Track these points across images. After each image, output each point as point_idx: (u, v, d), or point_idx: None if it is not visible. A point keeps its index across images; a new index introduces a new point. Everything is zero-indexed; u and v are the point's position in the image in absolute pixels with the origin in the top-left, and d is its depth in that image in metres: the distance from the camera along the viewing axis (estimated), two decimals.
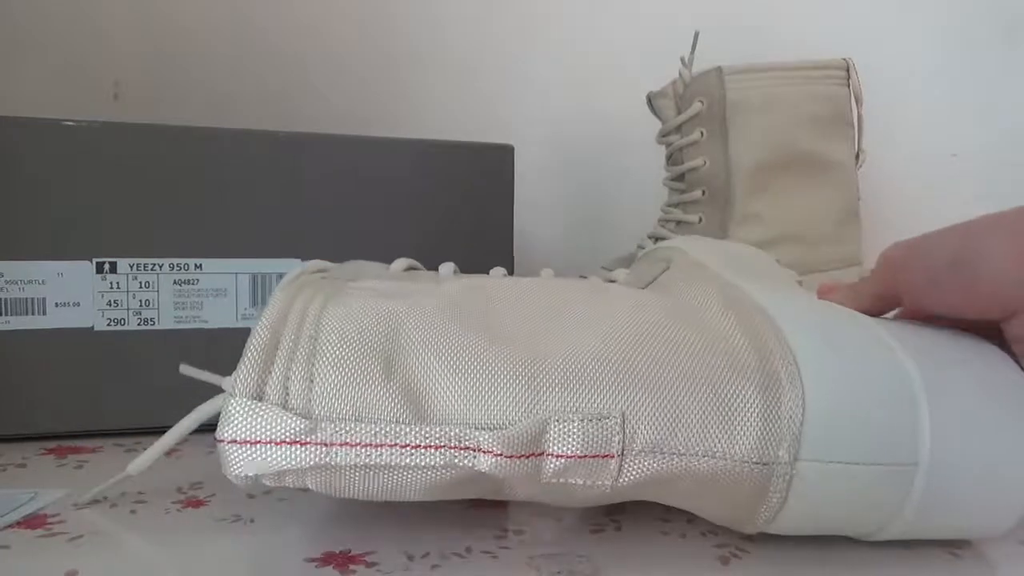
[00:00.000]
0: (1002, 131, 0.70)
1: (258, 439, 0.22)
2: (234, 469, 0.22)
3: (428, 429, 0.22)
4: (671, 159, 0.55)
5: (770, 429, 0.23)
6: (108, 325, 0.40)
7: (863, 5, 0.68)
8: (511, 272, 0.47)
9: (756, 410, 0.23)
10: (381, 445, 0.22)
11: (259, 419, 0.22)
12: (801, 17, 0.67)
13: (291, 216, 0.42)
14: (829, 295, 0.30)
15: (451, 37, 0.65)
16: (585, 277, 0.44)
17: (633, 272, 0.35)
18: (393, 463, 0.22)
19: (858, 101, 0.53)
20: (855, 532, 0.26)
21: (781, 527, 0.25)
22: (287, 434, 0.22)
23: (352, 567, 0.25)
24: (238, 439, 0.22)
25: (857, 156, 0.54)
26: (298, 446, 0.22)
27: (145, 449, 0.37)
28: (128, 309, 0.40)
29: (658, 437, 0.23)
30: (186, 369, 0.29)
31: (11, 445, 0.38)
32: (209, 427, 0.41)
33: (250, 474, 0.22)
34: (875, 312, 0.29)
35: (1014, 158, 0.70)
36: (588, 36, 0.66)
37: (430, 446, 0.22)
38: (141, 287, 0.40)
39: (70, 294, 0.39)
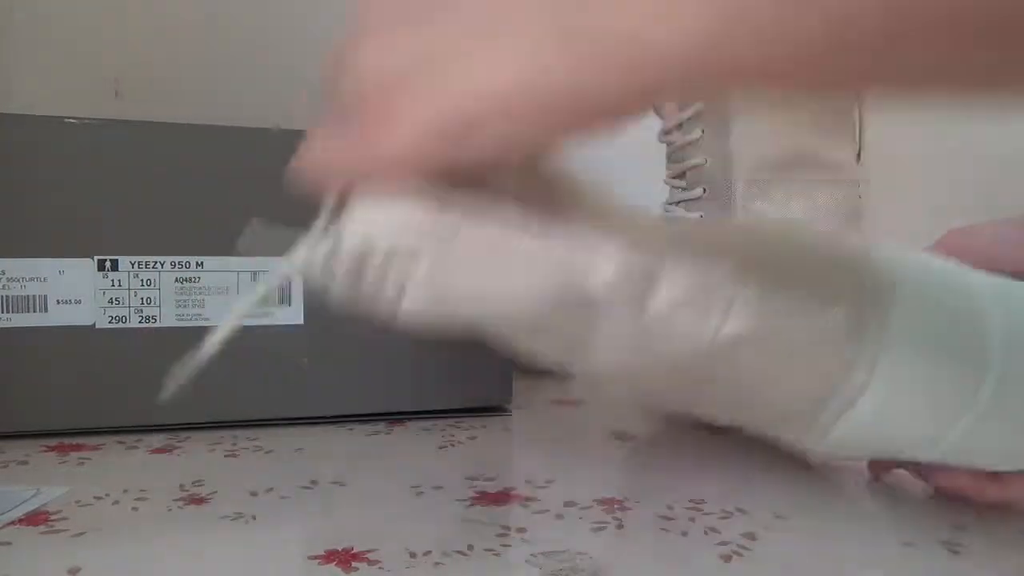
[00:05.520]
0: (1003, 128, 0.70)
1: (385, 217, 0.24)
2: (353, 225, 0.24)
3: (555, 226, 0.23)
4: (672, 157, 0.55)
5: (862, 310, 0.25)
6: (109, 323, 0.40)
7: None
8: None
9: (849, 292, 0.26)
10: (508, 230, 0.23)
11: (385, 209, 0.24)
12: None
13: (292, 214, 0.42)
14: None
15: None
16: None
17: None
18: (513, 249, 0.23)
19: (859, 99, 0.53)
20: (918, 435, 0.27)
21: (846, 433, 0.27)
22: (418, 212, 0.23)
23: (355, 564, 0.25)
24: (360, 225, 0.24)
25: (858, 154, 0.54)
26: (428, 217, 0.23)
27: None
28: (129, 307, 0.40)
29: (761, 295, 0.25)
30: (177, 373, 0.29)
31: (13, 442, 0.38)
32: (210, 424, 0.41)
33: (364, 231, 0.24)
34: None
35: (1015, 155, 0.70)
36: None
37: (556, 237, 0.23)
38: (142, 285, 0.40)
39: (71, 292, 0.39)
